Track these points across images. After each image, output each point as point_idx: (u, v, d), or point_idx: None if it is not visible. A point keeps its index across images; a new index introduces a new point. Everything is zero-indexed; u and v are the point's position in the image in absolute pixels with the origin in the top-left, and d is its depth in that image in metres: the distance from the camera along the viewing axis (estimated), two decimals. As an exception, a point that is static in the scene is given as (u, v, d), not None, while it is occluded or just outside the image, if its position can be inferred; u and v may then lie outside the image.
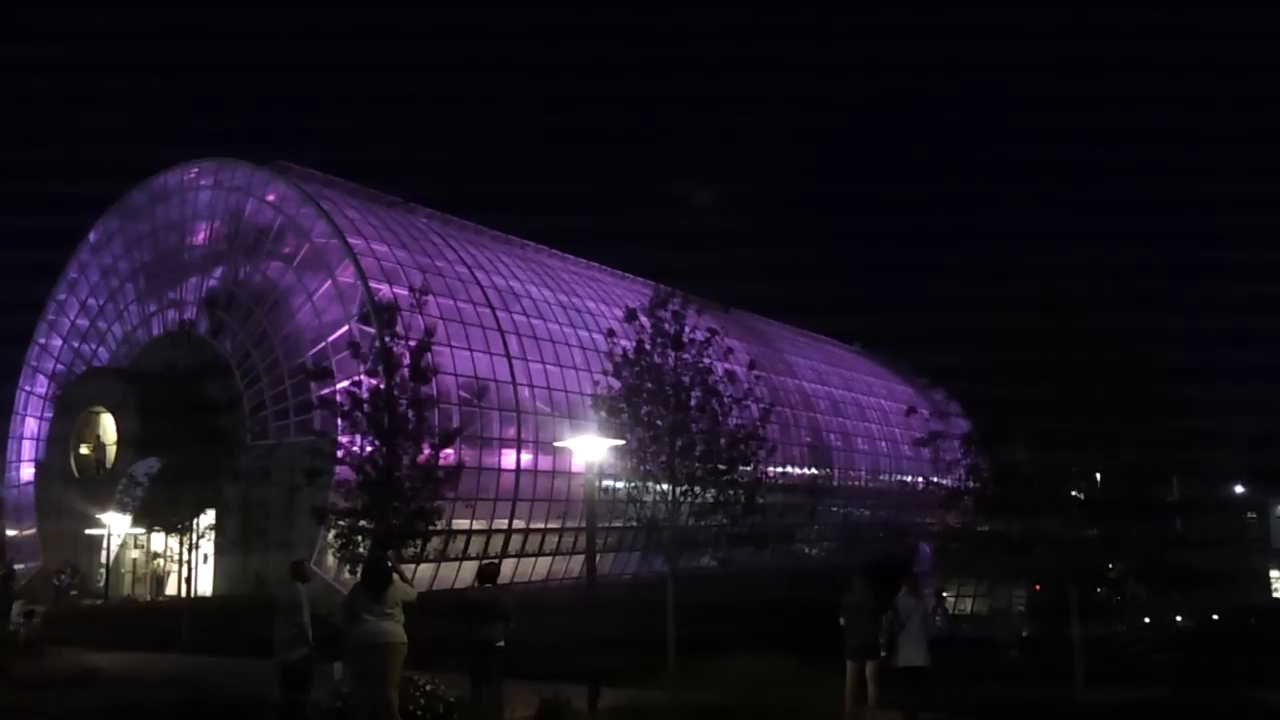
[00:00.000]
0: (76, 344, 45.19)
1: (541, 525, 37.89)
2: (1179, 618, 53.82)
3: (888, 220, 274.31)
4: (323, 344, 35.39)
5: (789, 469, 50.40)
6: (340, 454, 21.32)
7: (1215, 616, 45.15)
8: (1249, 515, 64.78)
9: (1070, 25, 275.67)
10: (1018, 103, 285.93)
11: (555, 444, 31.26)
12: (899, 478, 62.85)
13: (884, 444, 64.16)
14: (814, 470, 55.07)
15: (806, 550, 54.19)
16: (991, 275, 16.88)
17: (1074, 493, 16.46)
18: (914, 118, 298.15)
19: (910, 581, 14.23)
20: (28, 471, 45.67)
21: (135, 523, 32.28)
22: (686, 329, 20.05)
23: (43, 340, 46.71)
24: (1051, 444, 15.58)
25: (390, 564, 12.08)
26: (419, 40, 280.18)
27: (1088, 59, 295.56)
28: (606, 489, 21.59)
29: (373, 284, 34.65)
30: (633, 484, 19.72)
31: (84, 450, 40.85)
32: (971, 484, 16.68)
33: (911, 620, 13.49)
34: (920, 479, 55.81)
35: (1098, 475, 16.64)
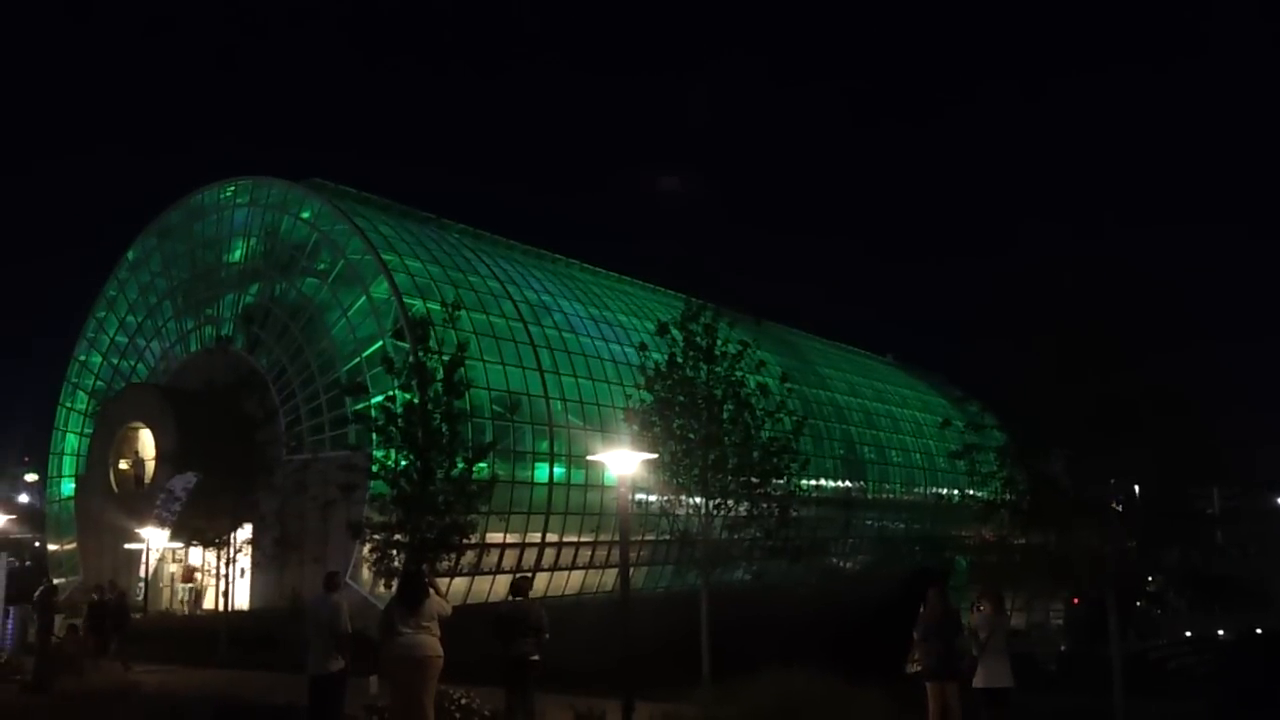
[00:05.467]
0: (116, 361, 45.79)
1: (574, 539, 37.89)
2: (1221, 632, 52.99)
3: (923, 228, 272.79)
4: (357, 359, 35.67)
5: (822, 482, 50.14)
6: (375, 468, 21.43)
7: (1259, 630, 44.41)
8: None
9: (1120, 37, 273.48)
10: (1067, 107, 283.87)
11: (588, 458, 31.29)
12: (934, 490, 62.34)
13: (918, 456, 63.70)
14: (848, 483, 54.75)
15: (840, 564, 53.83)
16: (1028, 284, 16.64)
17: (1113, 504, 16.22)
18: (953, 121, 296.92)
19: (992, 596, 13.24)
20: (68, 487, 46.27)
21: (173, 537, 32.58)
22: (719, 342, 20.02)
23: (83, 357, 47.38)
24: (1090, 454, 15.37)
25: (425, 578, 12.11)
26: (446, 58, 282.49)
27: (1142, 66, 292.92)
28: (639, 503, 21.58)
29: (406, 299, 34.90)
30: (665, 497, 19.68)
31: (123, 465, 41.36)
32: (1008, 496, 16.46)
33: (995, 638, 12.51)
34: (956, 491, 55.52)
35: (1136, 487, 16.40)
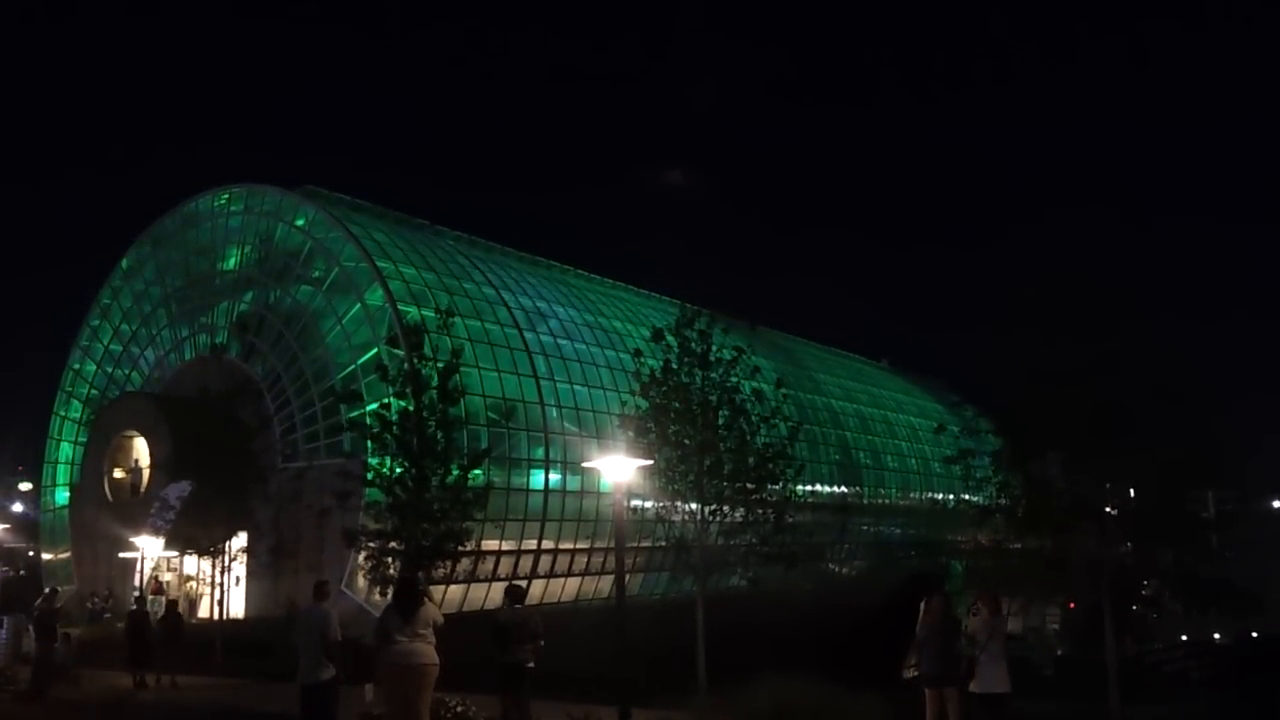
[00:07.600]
0: (110, 369, 45.66)
1: (570, 546, 37.83)
2: (1217, 635, 53.03)
3: (917, 232, 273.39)
4: (352, 366, 35.62)
5: (818, 487, 50.12)
6: (370, 476, 21.42)
7: (1255, 634, 44.47)
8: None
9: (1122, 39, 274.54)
10: (1057, 112, 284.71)
11: (583, 464, 31.28)
12: (929, 495, 62.35)
13: (914, 461, 63.72)
14: (843, 488, 54.75)
15: (836, 569, 53.82)
16: (1025, 290, 16.68)
17: (1108, 508, 16.24)
18: (946, 125, 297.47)
19: (989, 600, 13.05)
20: (63, 495, 46.12)
21: (168, 546, 32.48)
22: (713, 347, 20.04)
23: (77, 366, 47.24)
24: (1085, 458, 15.38)
25: (420, 586, 12.10)
26: (444, 63, 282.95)
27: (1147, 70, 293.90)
28: (635, 509, 21.57)
29: (401, 306, 34.86)
30: (661, 504, 19.69)
31: (117, 474, 41.23)
32: (1003, 501, 16.47)
33: (992, 642, 12.38)
34: (951, 496, 55.58)
35: (1131, 491, 16.43)
